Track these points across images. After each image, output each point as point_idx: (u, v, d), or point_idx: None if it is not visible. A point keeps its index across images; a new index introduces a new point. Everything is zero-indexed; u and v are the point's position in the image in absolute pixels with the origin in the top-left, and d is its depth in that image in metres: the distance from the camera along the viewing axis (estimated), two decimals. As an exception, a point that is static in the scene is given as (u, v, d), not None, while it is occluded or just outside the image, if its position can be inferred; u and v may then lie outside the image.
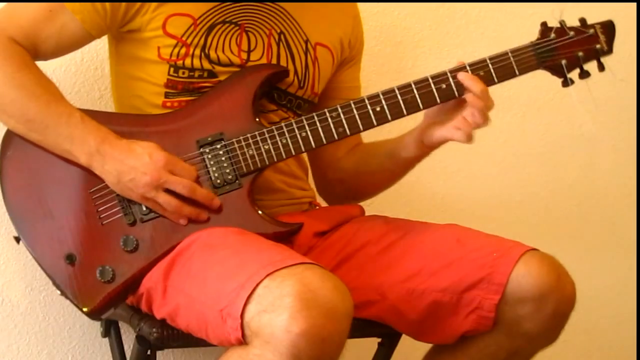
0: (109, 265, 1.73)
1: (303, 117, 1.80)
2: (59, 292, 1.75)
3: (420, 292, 1.74)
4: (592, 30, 1.87)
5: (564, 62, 1.85)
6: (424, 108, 1.80)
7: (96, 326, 2.06)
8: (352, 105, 1.80)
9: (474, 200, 2.52)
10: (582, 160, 2.64)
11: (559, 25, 1.85)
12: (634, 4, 2.58)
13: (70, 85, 2.09)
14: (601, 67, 1.87)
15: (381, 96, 1.80)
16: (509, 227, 2.41)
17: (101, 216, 1.75)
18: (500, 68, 1.82)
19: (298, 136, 1.79)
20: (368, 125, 1.80)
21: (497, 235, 1.78)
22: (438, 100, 1.80)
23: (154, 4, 1.79)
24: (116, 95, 1.95)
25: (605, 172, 2.67)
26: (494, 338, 1.73)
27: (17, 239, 1.77)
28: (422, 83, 1.80)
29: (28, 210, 1.76)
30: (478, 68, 1.82)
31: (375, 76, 2.38)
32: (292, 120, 1.80)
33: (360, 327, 1.75)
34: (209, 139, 1.78)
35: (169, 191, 1.73)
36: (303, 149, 1.79)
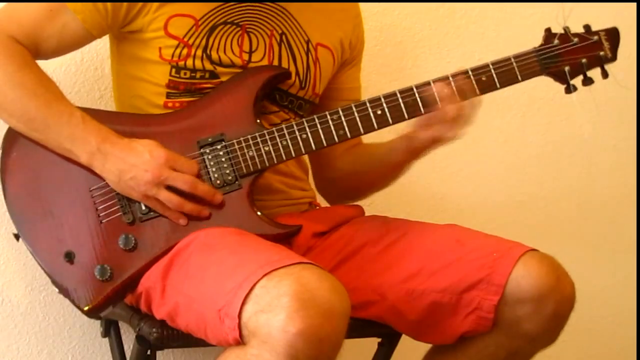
0: (107, 264, 1.73)
1: (304, 119, 1.80)
2: (57, 290, 1.75)
3: (420, 292, 1.74)
4: (596, 37, 1.86)
5: (567, 68, 1.85)
6: (425, 112, 1.80)
7: (96, 326, 2.06)
8: (353, 108, 1.80)
9: (473, 200, 2.52)
10: (582, 160, 2.64)
11: (562, 32, 1.85)
12: (634, 4, 2.58)
13: (70, 85, 2.09)
14: (605, 75, 1.87)
15: (382, 99, 1.80)
16: (509, 227, 2.42)
17: (100, 215, 1.76)
18: (502, 73, 1.82)
19: (298, 138, 1.79)
20: (369, 129, 1.80)
21: (497, 236, 1.78)
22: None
23: (155, 5, 1.79)
24: (117, 95, 1.95)
25: (605, 172, 2.66)
26: (493, 338, 1.73)
27: (17, 237, 1.77)
28: (423, 87, 1.80)
29: (28, 207, 1.76)
30: (480, 73, 1.81)
31: (375, 76, 2.38)
32: (293, 122, 1.80)
33: (360, 327, 1.76)
34: (210, 139, 1.78)
35: (170, 189, 1.73)
36: (303, 150, 1.79)
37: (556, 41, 1.85)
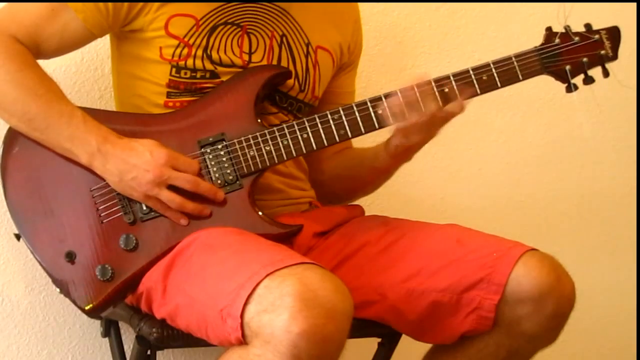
0: (108, 264, 1.73)
1: (304, 119, 1.80)
2: (58, 290, 1.75)
3: (420, 292, 1.74)
4: (597, 36, 1.86)
5: (568, 67, 1.85)
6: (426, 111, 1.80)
7: (96, 326, 2.06)
8: (354, 108, 1.80)
9: (473, 200, 2.52)
10: (582, 160, 2.64)
11: (563, 31, 1.85)
12: (634, 4, 2.58)
13: (70, 85, 2.09)
14: (606, 73, 1.87)
15: (383, 99, 1.80)
16: (509, 227, 2.41)
17: (101, 215, 1.76)
18: (503, 72, 1.82)
19: (299, 137, 1.79)
20: (370, 128, 1.80)
21: (497, 236, 1.78)
22: (441, 104, 1.80)
23: (156, 4, 1.79)
24: (117, 95, 1.95)
25: (605, 172, 2.67)
26: (493, 338, 1.73)
27: (18, 237, 1.77)
28: (424, 87, 1.80)
29: (29, 207, 1.76)
30: (481, 72, 1.81)
31: (375, 76, 2.38)
32: (294, 122, 1.80)
33: (360, 327, 1.75)
34: (211, 139, 1.78)
35: (171, 188, 1.73)
36: (304, 150, 1.79)
37: (557, 40, 1.85)
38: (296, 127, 1.79)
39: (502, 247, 1.73)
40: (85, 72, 2.12)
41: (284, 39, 1.89)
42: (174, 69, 1.82)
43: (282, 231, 1.78)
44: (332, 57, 1.96)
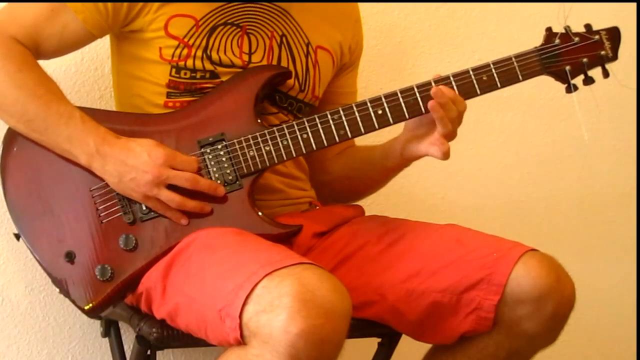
0: (108, 264, 1.73)
1: (304, 119, 1.80)
2: (57, 290, 1.75)
3: (420, 292, 1.74)
4: (597, 37, 1.86)
5: (568, 68, 1.85)
6: (426, 112, 1.80)
7: (96, 326, 2.06)
8: (354, 108, 1.80)
9: (474, 200, 2.52)
10: (582, 160, 2.64)
11: (563, 31, 1.85)
12: (634, 4, 2.58)
13: (70, 85, 2.09)
14: (606, 74, 1.87)
15: (383, 99, 1.80)
16: (509, 227, 2.42)
17: (101, 215, 1.76)
18: (503, 73, 1.82)
19: (299, 137, 1.79)
20: (370, 128, 1.80)
21: (497, 236, 1.78)
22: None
23: (156, 5, 1.79)
24: (117, 95, 1.95)
25: (605, 173, 2.67)
26: (493, 338, 1.73)
27: (17, 236, 1.77)
28: (424, 87, 1.80)
29: (28, 207, 1.76)
30: (481, 72, 1.81)
31: (375, 76, 2.38)
32: (294, 122, 1.80)
33: (360, 327, 1.76)
34: (210, 139, 1.78)
35: (171, 187, 1.73)
36: (304, 150, 1.79)
37: (557, 40, 1.85)
38: (296, 128, 1.79)
39: (502, 247, 1.73)
40: (85, 72, 2.12)
41: (284, 39, 1.89)
42: (173, 70, 1.82)
43: (282, 231, 1.78)
44: (332, 57, 1.96)
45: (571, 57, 1.85)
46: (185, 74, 1.82)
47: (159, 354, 1.81)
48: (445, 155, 1.78)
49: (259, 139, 1.78)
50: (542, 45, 1.85)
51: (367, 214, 1.98)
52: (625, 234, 2.69)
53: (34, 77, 1.75)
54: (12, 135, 1.78)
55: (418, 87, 1.80)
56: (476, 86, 1.81)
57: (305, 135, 1.79)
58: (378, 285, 1.78)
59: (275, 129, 1.79)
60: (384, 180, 2.00)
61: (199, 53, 1.81)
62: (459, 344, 1.76)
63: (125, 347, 1.98)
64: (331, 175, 2.02)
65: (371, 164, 1.95)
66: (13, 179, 1.78)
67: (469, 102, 1.81)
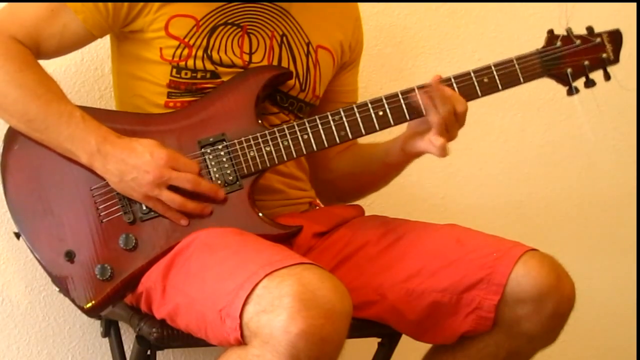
0: (108, 263, 1.73)
1: (305, 120, 1.80)
2: (57, 289, 1.75)
3: (420, 292, 1.74)
4: (598, 39, 1.86)
5: (569, 70, 1.85)
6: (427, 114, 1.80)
7: (96, 326, 2.06)
8: (355, 109, 1.80)
9: (473, 200, 2.52)
10: (582, 160, 2.64)
11: (565, 33, 1.85)
12: (634, 4, 2.58)
13: (70, 85, 2.09)
14: (607, 77, 1.87)
15: (384, 100, 1.80)
16: (509, 227, 2.42)
17: (101, 214, 1.76)
18: (504, 75, 1.82)
19: (300, 138, 1.79)
20: (370, 129, 1.80)
21: (497, 236, 1.79)
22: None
23: (156, 5, 1.79)
24: (118, 95, 1.95)
25: (605, 173, 2.67)
26: (493, 338, 1.73)
27: (18, 235, 1.77)
28: (425, 87, 1.80)
29: (29, 206, 1.76)
30: (482, 74, 1.81)
31: (375, 76, 2.38)
32: (294, 122, 1.80)
33: (360, 327, 1.76)
34: (211, 139, 1.78)
35: (172, 188, 1.73)
36: (304, 151, 1.79)
37: (558, 43, 1.85)
38: (297, 128, 1.79)
39: (502, 247, 1.73)
40: (85, 72, 2.12)
41: (284, 38, 1.89)
42: (174, 70, 1.82)
43: (282, 232, 1.78)
44: (332, 56, 1.96)
45: (572, 60, 1.85)
46: (185, 74, 1.82)
47: (159, 354, 1.81)
48: (441, 151, 1.76)
49: (260, 140, 1.78)
50: (543, 47, 1.85)
51: (367, 214, 1.98)
52: (625, 234, 2.70)
53: (35, 77, 1.75)
54: (12, 135, 1.78)
55: (419, 88, 1.80)
56: (477, 88, 1.81)
57: (305, 136, 1.79)
58: (378, 285, 1.78)
59: (275, 129, 1.79)
60: (386, 178, 2.00)
61: (200, 53, 1.81)
62: (459, 344, 1.76)
63: (125, 347, 1.98)
64: (334, 173, 2.02)
65: (373, 161, 1.95)
66: (13, 178, 1.78)
67: (469, 102, 1.80)
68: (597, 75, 1.86)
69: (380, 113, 1.80)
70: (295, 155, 1.79)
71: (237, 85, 1.81)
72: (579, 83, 1.86)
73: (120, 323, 1.95)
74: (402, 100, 1.80)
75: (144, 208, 1.75)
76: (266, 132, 1.78)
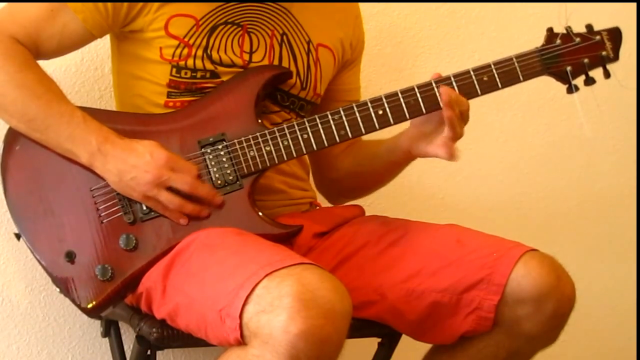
0: (108, 263, 1.73)
1: (305, 119, 1.80)
2: (58, 289, 1.75)
3: (420, 292, 1.74)
4: (598, 37, 1.86)
5: (569, 68, 1.85)
6: (426, 112, 1.80)
7: (96, 326, 2.06)
8: (355, 108, 1.80)
9: (474, 200, 2.52)
10: (582, 161, 2.64)
11: (564, 31, 1.85)
12: (634, 4, 2.58)
13: (70, 85, 2.09)
14: (607, 74, 1.87)
15: (384, 99, 1.80)
16: (509, 227, 2.41)
17: (101, 215, 1.76)
18: (504, 73, 1.82)
19: (299, 138, 1.79)
20: (370, 129, 1.80)
21: (497, 236, 1.79)
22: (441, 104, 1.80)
23: (156, 5, 1.79)
24: (118, 94, 1.95)
25: (605, 173, 2.67)
26: (493, 338, 1.73)
27: (18, 236, 1.77)
28: (425, 87, 1.80)
29: (29, 207, 1.76)
30: (482, 73, 1.81)
31: (375, 76, 2.38)
32: (294, 122, 1.80)
33: (360, 327, 1.76)
34: (211, 139, 1.78)
35: (170, 190, 1.73)
36: (304, 150, 1.79)
37: (558, 41, 1.85)
38: (296, 128, 1.79)
39: (502, 247, 1.73)
40: (85, 72, 2.12)
41: (285, 37, 1.89)
42: (174, 69, 1.82)
43: (282, 232, 1.78)
44: (333, 55, 1.96)
45: (572, 58, 1.85)
46: (185, 73, 1.82)
47: (159, 354, 1.81)
48: (454, 157, 1.78)
49: (260, 139, 1.78)
50: (543, 45, 1.85)
51: (367, 214, 1.98)
52: (625, 234, 2.70)
53: (34, 77, 1.75)
54: (13, 135, 1.78)
55: (419, 87, 1.80)
56: (477, 86, 1.81)
57: (305, 136, 1.79)
58: (378, 285, 1.78)
59: (275, 129, 1.79)
60: (391, 175, 2.00)
61: (200, 53, 1.81)
62: (459, 344, 1.76)
63: (125, 347, 1.98)
64: (339, 171, 2.02)
65: (378, 158, 1.95)
66: (14, 178, 1.78)
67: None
68: (596, 73, 1.86)
69: (380, 112, 1.80)
70: (295, 155, 1.79)
71: (237, 85, 1.81)
72: (579, 81, 1.86)
73: (120, 323, 1.95)
74: (402, 100, 1.80)
75: (144, 208, 1.75)
76: (266, 131, 1.78)
